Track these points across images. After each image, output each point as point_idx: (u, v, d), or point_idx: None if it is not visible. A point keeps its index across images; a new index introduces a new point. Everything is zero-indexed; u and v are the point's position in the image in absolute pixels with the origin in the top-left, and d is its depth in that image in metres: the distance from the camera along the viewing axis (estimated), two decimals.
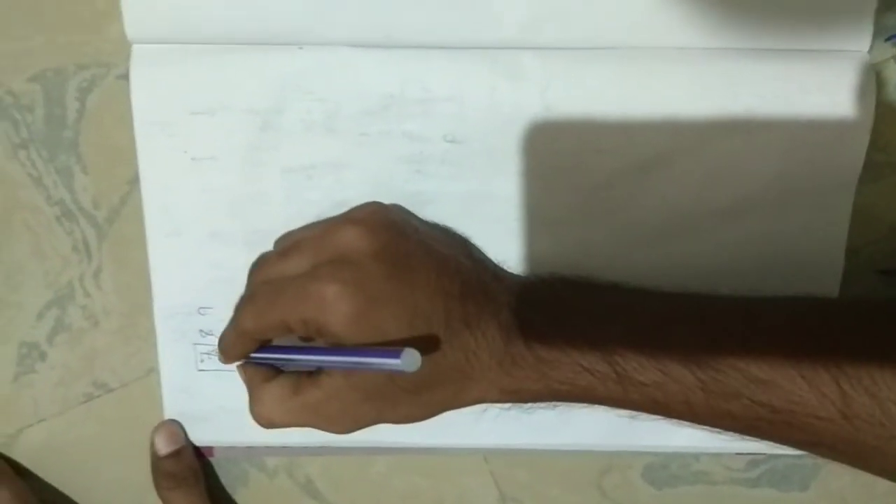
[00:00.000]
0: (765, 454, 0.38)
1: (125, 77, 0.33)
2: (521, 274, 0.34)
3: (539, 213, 0.34)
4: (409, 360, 0.26)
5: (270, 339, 0.31)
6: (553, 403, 0.31)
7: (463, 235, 0.34)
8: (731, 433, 0.30)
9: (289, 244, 0.32)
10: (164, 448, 0.36)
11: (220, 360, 0.33)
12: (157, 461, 0.37)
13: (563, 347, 0.29)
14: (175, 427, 0.37)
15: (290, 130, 0.33)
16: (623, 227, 0.34)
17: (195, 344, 0.36)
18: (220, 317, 0.35)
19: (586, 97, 0.33)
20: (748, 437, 0.30)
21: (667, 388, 0.29)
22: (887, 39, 0.33)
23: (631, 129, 0.33)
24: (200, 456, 0.38)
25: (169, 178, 0.34)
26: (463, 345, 0.29)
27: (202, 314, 0.35)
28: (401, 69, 0.32)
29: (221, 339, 0.32)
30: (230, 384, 0.36)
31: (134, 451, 0.38)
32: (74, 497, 0.39)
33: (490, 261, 0.34)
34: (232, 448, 0.38)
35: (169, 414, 0.37)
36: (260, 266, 0.32)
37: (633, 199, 0.34)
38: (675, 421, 0.30)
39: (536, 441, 0.37)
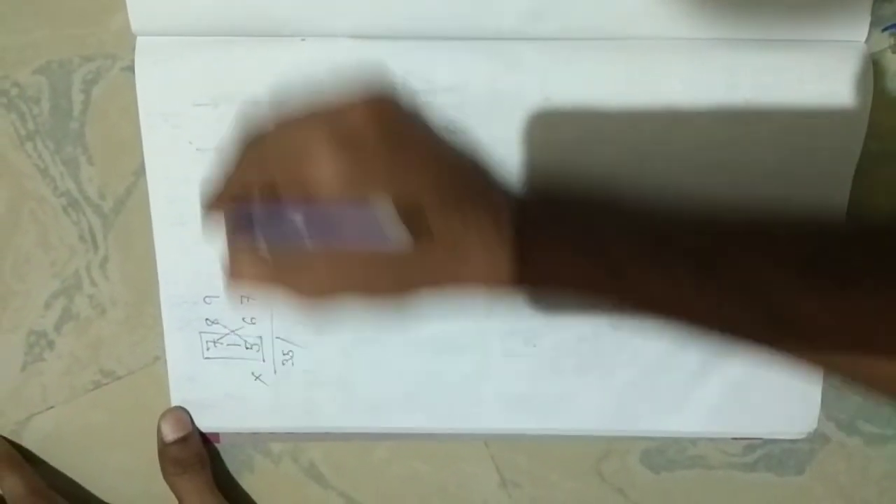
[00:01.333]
0: (761, 439, 0.39)
1: (130, 69, 0.33)
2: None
3: None
4: (398, 238, 0.25)
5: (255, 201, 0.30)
6: (535, 297, 0.30)
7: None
8: (721, 338, 0.29)
9: (288, 112, 0.30)
10: (170, 434, 0.37)
11: (204, 206, 0.31)
12: (164, 447, 0.37)
13: (554, 236, 0.29)
14: (181, 414, 0.37)
15: None
16: None
17: (201, 332, 0.36)
18: (226, 306, 0.36)
19: (585, 87, 0.33)
20: (741, 344, 0.29)
21: (660, 285, 0.28)
22: (884, 29, 0.33)
23: (630, 119, 0.33)
24: (207, 442, 0.38)
25: (174, 168, 0.34)
26: (452, 230, 0.28)
27: (207, 303, 0.36)
28: (402, 61, 0.33)
29: (209, 184, 0.31)
30: (236, 371, 0.37)
31: (141, 438, 0.38)
32: (82, 483, 0.40)
33: (493, 168, 0.33)
34: (238, 434, 0.38)
35: (175, 401, 0.37)
36: (255, 126, 0.30)
37: (631, 188, 0.34)
38: (660, 321, 0.29)
39: (536, 426, 0.38)
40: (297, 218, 0.28)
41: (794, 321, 0.27)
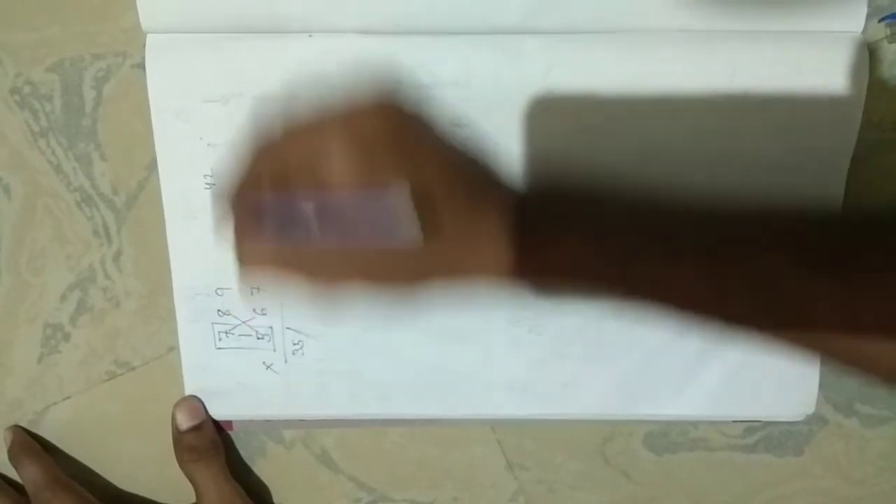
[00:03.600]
0: (761, 421, 0.40)
1: (140, 66, 0.34)
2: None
3: None
4: (410, 232, 0.26)
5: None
6: (542, 289, 0.31)
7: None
8: (725, 327, 0.30)
9: (298, 111, 0.31)
10: (185, 423, 0.38)
11: (216, 197, 0.32)
12: (178, 435, 0.38)
13: (559, 228, 0.29)
14: (195, 402, 0.38)
15: None
16: None
17: (213, 323, 0.37)
18: (237, 297, 0.37)
19: (587, 79, 0.34)
20: (744, 333, 0.30)
21: (665, 274, 0.29)
22: (881, 20, 0.34)
23: (631, 110, 0.34)
24: (220, 430, 0.39)
25: (186, 163, 0.35)
26: (461, 224, 0.29)
27: (219, 295, 0.37)
28: (408, 55, 0.33)
29: (223, 176, 0.32)
30: (247, 361, 0.38)
31: (156, 427, 0.39)
32: (99, 471, 0.41)
33: (496, 162, 0.34)
34: (250, 421, 0.39)
35: (189, 390, 0.38)
36: (266, 123, 0.31)
37: (633, 178, 0.35)
38: (665, 311, 0.30)
39: (541, 412, 0.38)
40: (308, 208, 0.28)
41: (796, 310, 0.28)
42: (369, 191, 0.27)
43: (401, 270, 0.30)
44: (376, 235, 0.27)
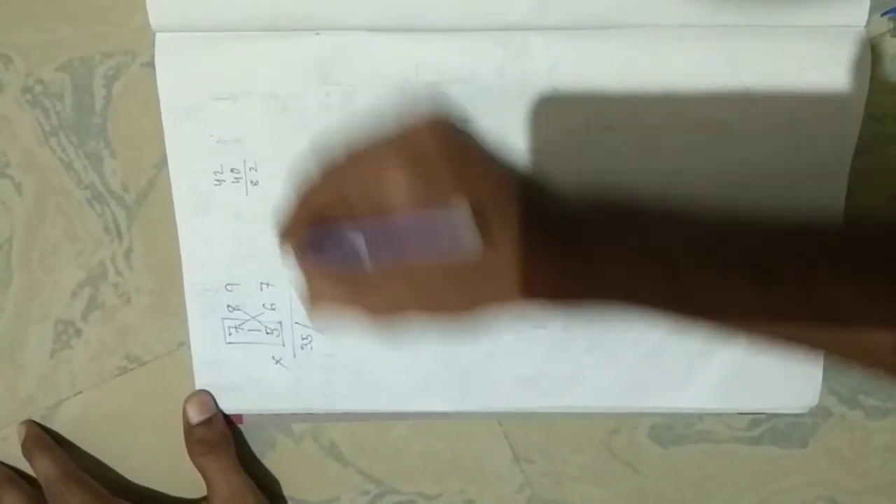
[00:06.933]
0: (765, 413, 0.40)
1: (149, 64, 0.34)
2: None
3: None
4: (472, 243, 0.26)
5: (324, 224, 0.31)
6: (596, 310, 0.31)
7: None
8: (780, 341, 0.30)
9: (357, 142, 0.32)
10: (195, 416, 0.38)
11: (278, 237, 0.33)
12: (189, 429, 0.39)
13: (611, 249, 0.30)
14: (206, 396, 0.39)
15: (310, 114, 0.34)
16: None
17: (223, 318, 0.37)
18: (246, 292, 0.37)
19: (592, 75, 0.34)
20: (800, 346, 0.30)
21: (724, 298, 0.29)
22: (884, 14, 0.34)
23: (635, 106, 0.34)
24: (230, 423, 0.40)
25: (195, 160, 0.35)
26: (514, 245, 0.30)
27: (229, 290, 0.37)
28: (415, 53, 0.34)
29: (281, 214, 0.33)
30: (257, 356, 0.38)
31: (167, 421, 0.39)
32: (111, 464, 0.41)
33: (545, 179, 0.35)
34: (260, 415, 0.40)
35: (199, 384, 0.39)
36: (328, 156, 0.33)
37: (637, 173, 0.35)
38: (719, 327, 0.30)
39: (547, 404, 0.39)
40: (359, 238, 0.29)
41: (852, 320, 0.27)
42: (430, 209, 0.28)
43: (457, 296, 0.31)
44: (438, 249, 0.28)
